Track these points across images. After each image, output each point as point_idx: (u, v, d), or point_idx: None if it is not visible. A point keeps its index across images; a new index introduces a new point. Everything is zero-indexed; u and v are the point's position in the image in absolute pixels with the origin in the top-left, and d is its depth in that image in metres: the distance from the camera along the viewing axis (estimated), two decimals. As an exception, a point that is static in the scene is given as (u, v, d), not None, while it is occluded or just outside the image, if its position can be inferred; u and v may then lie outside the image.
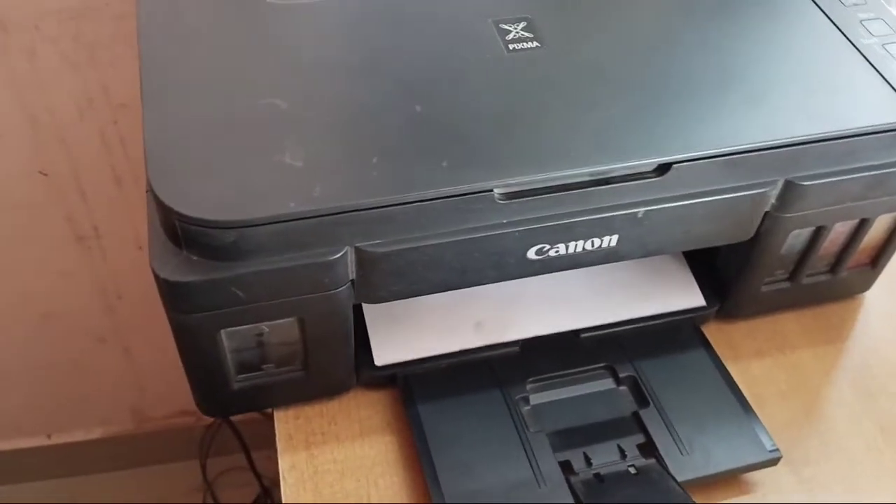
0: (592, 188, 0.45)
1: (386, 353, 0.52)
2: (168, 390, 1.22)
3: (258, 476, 1.20)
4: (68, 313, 1.08)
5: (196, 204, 0.40)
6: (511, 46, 0.49)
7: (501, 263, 0.46)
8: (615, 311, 0.55)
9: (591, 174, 0.45)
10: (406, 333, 0.53)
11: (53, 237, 0.98)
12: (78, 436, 1.25)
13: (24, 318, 1.07)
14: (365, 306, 0.53)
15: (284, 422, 0.51)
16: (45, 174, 0.91)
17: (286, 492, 0.48)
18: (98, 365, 1.16)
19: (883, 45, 0.51)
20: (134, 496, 1.26)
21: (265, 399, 0.51)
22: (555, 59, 0.49)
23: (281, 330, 0.47)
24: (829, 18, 0.53)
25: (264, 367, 0.49)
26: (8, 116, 0.85)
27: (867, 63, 0.50)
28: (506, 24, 0.50)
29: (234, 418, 1.12)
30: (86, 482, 1.28)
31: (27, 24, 0.78)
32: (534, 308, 0.55)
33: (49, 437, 1.25)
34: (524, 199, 0.44)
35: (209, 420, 1.23)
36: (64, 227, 0.97)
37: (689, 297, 0.56)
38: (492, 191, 0.43)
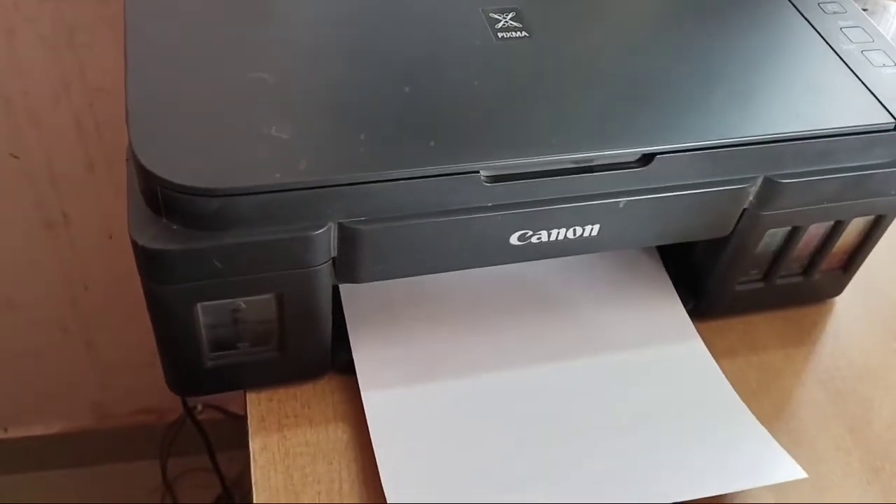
0: (576, 175, 0.45)
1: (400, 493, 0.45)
2: (131, 387, 1.19)
3: (221, 476, 1.18)
4: (32, 302, 1.06)
5: (180, 171, 0.40)
6: (500, 35, 0.49)
7: (483, 247, 0.46)
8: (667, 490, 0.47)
9: (575, 161, 0.45)
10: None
11: (21, 222, 0.96)
12: (36, 430, 1.23)
13: (-14, 305, 1.05)
14: (376, 444, 0.47)
15: (257, 403, 0.51)
16: (17, 157, 0.89)
17: (256, 473, 0.47)
18: (60, 357, 1.13)
19: (862, 51, 0.52)
20: (92, 494, 1.23)
21: (238, 379, 0.50)
22: (542, 48, 0.49)
23: (258, 307, 0.46)
24: (811, 25, 0.54)
25: (239, 345, 0.48)
26: (-19, 96, 0.84)
27: (847, 68, 0.51)
28: (496, 13, 0.51)
29: (200, 417, 1.10)
30: (43, 478, 1.25)
31: (6, 2, 0.77)
32: (564, 465, 0.48)
33: (6, 430, 1.22)
34: (509, 182, 0.44)
35: (171, 418, 1.21)
36: (32, 213, 0.95)
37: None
38: (478, 172, 0.43)
